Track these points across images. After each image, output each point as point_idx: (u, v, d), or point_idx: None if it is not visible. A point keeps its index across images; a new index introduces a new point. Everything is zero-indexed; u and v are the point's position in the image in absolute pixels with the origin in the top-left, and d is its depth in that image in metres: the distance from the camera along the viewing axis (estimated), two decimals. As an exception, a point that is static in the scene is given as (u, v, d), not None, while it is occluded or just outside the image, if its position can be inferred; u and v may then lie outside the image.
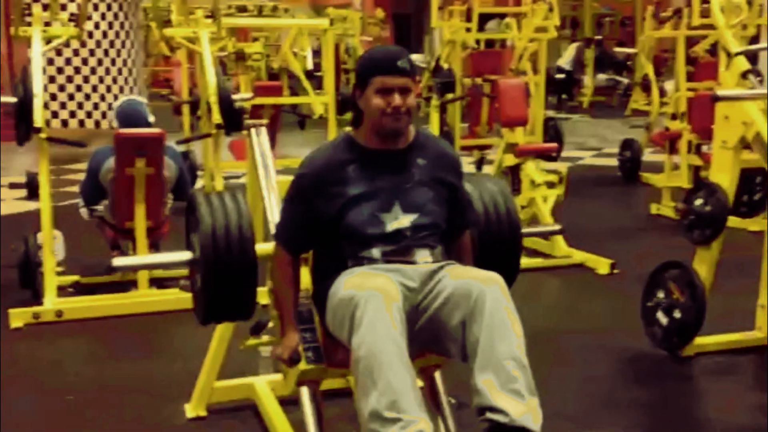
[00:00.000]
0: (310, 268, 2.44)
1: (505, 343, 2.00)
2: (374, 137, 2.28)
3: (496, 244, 2.47)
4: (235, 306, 2.36)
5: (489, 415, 1.97)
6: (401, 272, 2.17)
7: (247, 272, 2.30)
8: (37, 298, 4.27)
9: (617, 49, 14.00)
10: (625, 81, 14.46)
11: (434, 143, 2.38)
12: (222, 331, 3.00)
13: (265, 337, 2.54)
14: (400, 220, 2.23)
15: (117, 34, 9.31)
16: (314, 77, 11.10)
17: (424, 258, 2.23)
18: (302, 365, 2.26)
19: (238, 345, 2.64)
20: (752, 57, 4.95)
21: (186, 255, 2.41)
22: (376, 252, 2.21)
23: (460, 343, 2.08)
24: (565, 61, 14.87)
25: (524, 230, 2.61)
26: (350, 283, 2.11)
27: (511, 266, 2.50)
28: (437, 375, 2.43)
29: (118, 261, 2.57)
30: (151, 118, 4.48)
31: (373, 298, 2.00)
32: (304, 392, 2.31)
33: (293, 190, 2.31)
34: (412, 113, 2.25)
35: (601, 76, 14.62)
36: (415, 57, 10.59)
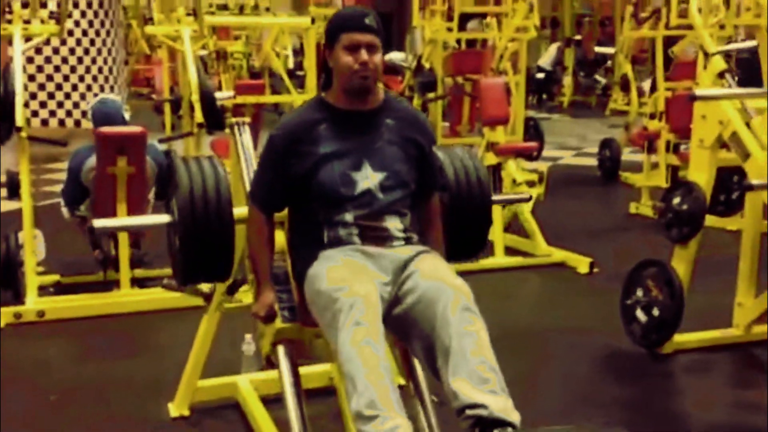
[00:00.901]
0: (286, 231, 2.49)
1: (474, 349, 2.04)
2: (344, 96, 2.33)
3: (467, 210, 2.55)
4: (212, 267, 2.41)
5: (469, 411, 1.99)
6: (374, 259, 2.22)
7: (224, 234, 2.35)
8: (18, 298, 4.25)
9: (597, 49, 14.10)
10: (603, 81, 14.57)
11: (403, 106, 2.45)
12: (205, 330, 3.01)
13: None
14: (370, 179, 2.28)
15: (97, 32, 9.25)
16: (296, 76, 11.09)
17: (394, 224, 2.29)
18: (278, 323, 2.32)
19: (220, 307, 2.67)
20: (728, 56, 5.01)
21: (165, 218, 2.46)
22: (348, 216, 2.27)
23: (426, 347, 2.13)
24: (545, 61, 14.96)
25: (494, 197, 2.69)
26: (333, 276, 2.15)
27: (481, 231, 2.60)
28: (420, 373, 2.44)
29: (99, 222, 2.60)
30: (127, 116, 4.46)
31: (355, 305, 2.04)
32: (281, 351, 2.34)
33: (267, 151, 2.36)
34: (378, 72, 2.30)
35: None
36: (396, 56, 10.60)
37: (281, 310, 2.34)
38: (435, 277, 2.18)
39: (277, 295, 2.37)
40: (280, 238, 2.48)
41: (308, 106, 2.40)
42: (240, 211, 2.46)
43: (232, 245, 2.39)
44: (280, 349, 2.34)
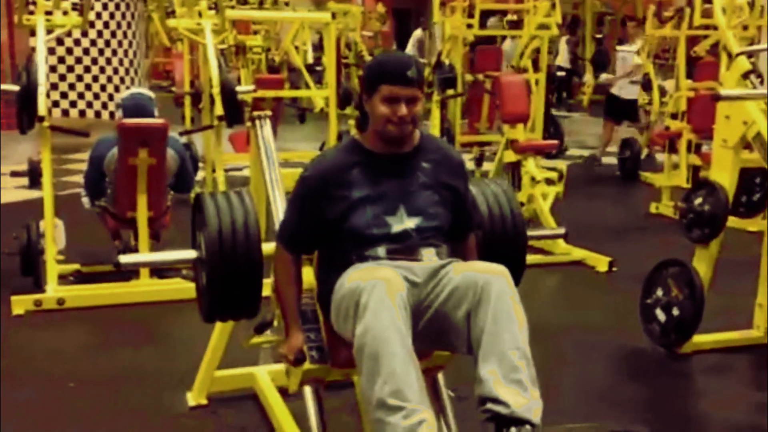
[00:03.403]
0: (315, 267, 2.45)
1: (510, 333, 2.02)
2: (379, 141, 2.29)
3: (501, 246, 2.48)
4: (239, 305, 2.38)
5: (490, 405, 1.99)
6: (406, 268, 2.19)
7: (253, 272, 2.31)
8: (38, 286, 4.28)
9: (618, 48, 14.00)
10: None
11: (438, 146, 2.39)
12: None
13: (268, 335, 2.56)
14: (405, 224, 2.24)
15: (118, 24, 9.27)
16: (315, 71, 11.09)
17: (429, 256, 2.24)
18: (306, 365, 2.27)
19: (242, 342, 2.66)
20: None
21: (191, 254, 2.43)
22: (381, 251, 2.22)
23: (464, 335, 2.09)
24: (563, 58, 14.84)
25: (529, 233, 2.60)
26: (355, 275, 2.13)
27: (517, 268, 2.47)
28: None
29: (125, 258, 2.58)
30: (156, 113, 4.47)
31: (377, 286, 2.02)
32: (308, 391, 2.32)
33: (297, 192, 2.32)
34: (417, 121, 2.26)
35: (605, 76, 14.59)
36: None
37: (309, 351, 2.29)
38: (470, 268, 2.15)
39: (305, 334, 2.32)
40: (308, 275, 2.44)
41: (342, 149, 2.36)
42: (269, 247, 2.41)
43: (260, 283, 2.34)
44: (307, 390, 2.31)
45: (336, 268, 2.25)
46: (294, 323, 2.32)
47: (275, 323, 2.51)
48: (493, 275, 2.09)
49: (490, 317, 2.03)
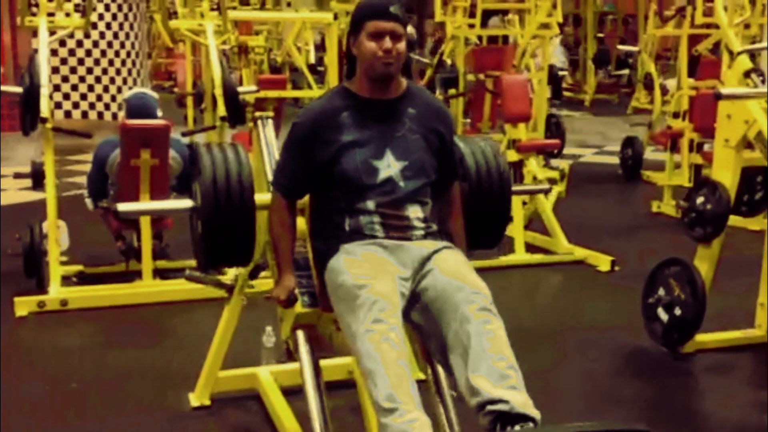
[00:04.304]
0: (307, 219, 2.52)
1: (494, 348, 2.04)
2: (367, 85, 2.36)
3: (487, 200, 2.58)
4: (234, 252, 2.46)
5: (489, 407, 1.98)
6: (394, 254, 2.24)
7: (246, 220, 2.40)
8: (41, 287, 4.29)
9: (620, 47, 14.00)
10: (626, 72, 14.46)
11: (425, 95, 2.49)
12: (226, 321, 3.03)
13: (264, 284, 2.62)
14: (391, 167, 2.31)
15: (121, 26, 9.29)
16: (317, 71, 11.10)
17: (415, 213, 2.32)
18: (298, 308, 2.36)
19: (242, 292, 2.71)
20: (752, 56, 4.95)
21: (187, 203, 2.51)
22: (370, 204, 2.29)
23: (442, 344, 2.14)
24: (557, 59, 14.83)
25: (514, 187, 2.72)
26: (354, 271, 2.16)
27: (501, 222, 2.64)
28: (439, 368, 2.44)
29: (123, 206, 2.68)
30: (159, 113, 4.48)
31: (376, 304, 2.06)
32: (300, 336, 2.38)
33: (290, 138, 2.39)
34: (402, 59, 2.33)
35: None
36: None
37: (302, 295, 2.38)
38: (454, 275, 2.19)
39: (297, 280, 2.41)
40: (302, 224, 2.51)
41: (331, 95, 2.43)
42: (262, 197, 2.50)
43: (254, 230, 2.43)
44: (300, 335, 2.37)
45: (328, 219, 2.35)
46: (286, 267, 2.40)
47: (266, 273, 2.60)
48: (473, 291, 2.13)
49: (474, 336, 2.05)
